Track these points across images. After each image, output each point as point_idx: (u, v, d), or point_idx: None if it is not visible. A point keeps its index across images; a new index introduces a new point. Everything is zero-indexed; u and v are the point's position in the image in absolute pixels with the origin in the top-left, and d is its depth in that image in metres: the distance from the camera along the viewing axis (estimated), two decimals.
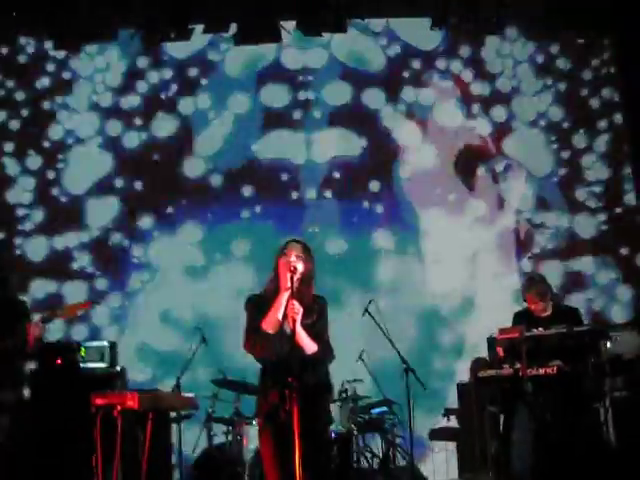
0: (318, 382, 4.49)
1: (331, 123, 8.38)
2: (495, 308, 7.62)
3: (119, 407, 4.89)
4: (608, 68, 8.44)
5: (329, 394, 4.67)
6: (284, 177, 8.32)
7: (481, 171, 8.36)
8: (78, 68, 8.33)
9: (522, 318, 6.32)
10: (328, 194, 8.32)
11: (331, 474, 5.98)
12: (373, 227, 8.29)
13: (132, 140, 8.30)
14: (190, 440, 6.77)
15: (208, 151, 8.33)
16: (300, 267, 4.46)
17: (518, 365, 5.94)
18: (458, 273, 8.21)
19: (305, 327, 4.43)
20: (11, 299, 5.58)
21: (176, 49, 8.25)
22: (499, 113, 8.43)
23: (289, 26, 7.97)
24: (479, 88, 8.45)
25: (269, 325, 4.41)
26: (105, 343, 6.98)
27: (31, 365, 6.71)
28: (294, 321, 4.35)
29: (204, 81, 8.41)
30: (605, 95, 8.44)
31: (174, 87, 8.37)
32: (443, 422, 7.63)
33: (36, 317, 5.38)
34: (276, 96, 8.39)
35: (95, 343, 7.00)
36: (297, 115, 8.41)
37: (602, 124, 8.41)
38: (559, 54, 8.45)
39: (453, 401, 7.60)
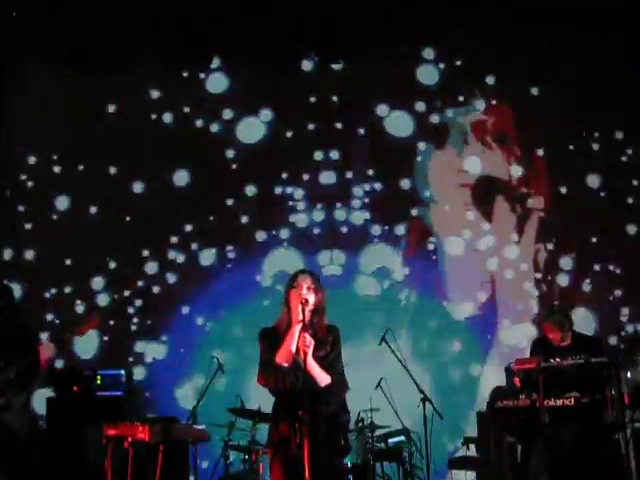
0: (331, 414, 4.47)
1: None
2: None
3: (130, 439, 4.89)
4: None
5: (343, 425, 4.64)
6: None
7: None
8: None
9: (539, 346, 6.27)
10: None
11: None
12: None
13: None
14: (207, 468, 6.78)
15: None
16: (311, 299, 4.46)
17: (535, 396, 5.88)
18: None
19: (318, 359, 4.42)
20: (23, 325, 5.63)
21: None
22: None
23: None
24: None
25: (282, 358, 4.41)
26: (122, 372, 7.00)
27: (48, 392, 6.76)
28: (305, 354, 4.34)
29: None
30: None
31: None
32: (462, 451, 7.56)
33: (44, 338, 5.42)
34: None
35: (111, 371, 7.00)
36: None
37: None
38: None
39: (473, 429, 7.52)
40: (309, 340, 4.37)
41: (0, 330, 5.41)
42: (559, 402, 5.87)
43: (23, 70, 8.52)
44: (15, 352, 5.31)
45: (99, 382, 6.79)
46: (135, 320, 8.03)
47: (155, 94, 8.45)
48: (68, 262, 8.15)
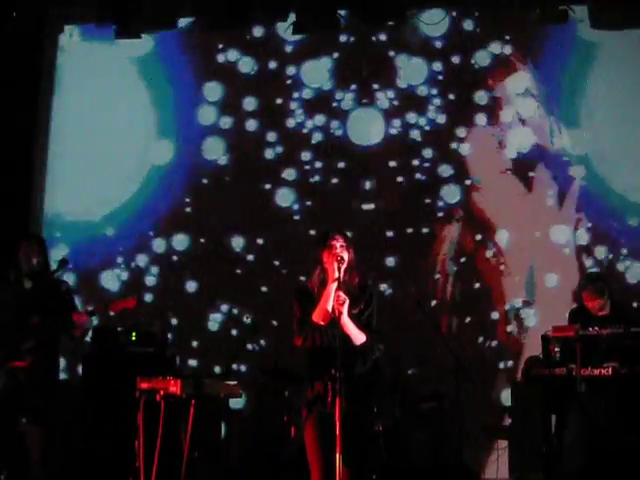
0: (366, 373, 4.47)
1: None
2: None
3: (162, 392, 4.93)
4: None
5: (377, 386, 4.65)
6: None
7: None
8: None
9: (577, 316, 6.18)
10: None
11: (377, 467, 6.00)
12: None
13: None
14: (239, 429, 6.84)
15: None
16: (345, 257, 4.45)
17: (572, 365, 5.81)
18: None
19: (352, 317, 4.41)
20: (55, 280, 5.70)
21: None
22: None
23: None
24: None
25: (319, 317, 4.40)
26: (156, 328, 7.04)
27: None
28: (340, 312, 4.33)
29: None
30: None
31: None
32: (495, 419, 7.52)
33: (85, 309, 5.51)
34: None
35: (146, 328, 7.06)
36: None
37: None
38: None
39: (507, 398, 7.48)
40: (343, 298, 4.35)
41: (39, 282, 5.53)
42: (596, 372, 5.79)
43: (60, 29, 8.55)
44: (54, 311, 5.41)
45: (134, 338, 6.86)
46: None
47: None
48: None
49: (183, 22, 8.12)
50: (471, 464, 7.14)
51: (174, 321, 7.91)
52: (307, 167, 8.16)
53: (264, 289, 8.00)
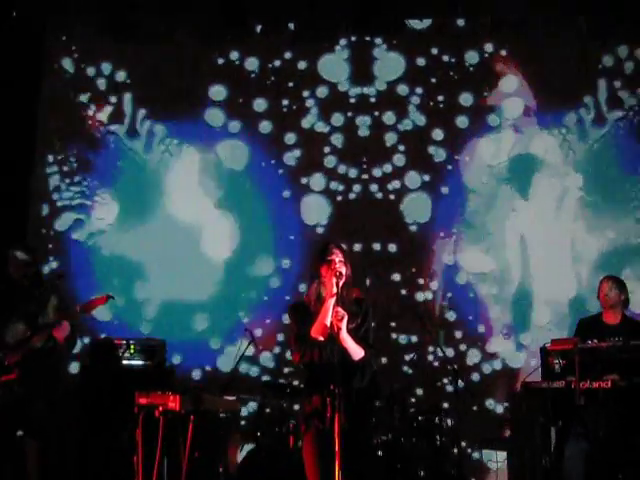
0: (365, 387, 4.47)
1: None
2: None
3: (161, 408, 4.92)
4: None
5: (376, 399, 4.65)
6: None
7: None
8: None
9: (586, 326, 6.16)
10: None
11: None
12: None
13: None
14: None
15: None
16: (344, 271, 4.46)
17: (571, 377, 5.79)
18: None
19: (350, 332, 4.40)
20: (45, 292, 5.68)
21: None
22: None
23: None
24: None
25: (318, 332, 4.40)
26: (154, 341, 7.00)
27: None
28: (339, 328, 4.33)
29: None
30: None
31: None
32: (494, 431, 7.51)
33: (53, 316, 5.47)
34: None
35: (144, 341, 7.02)
36: None
37: None
38: None
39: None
40: (342, 313, 4.35)
41: (32, 292, 5.50)
42: (595, 384, 5.77)
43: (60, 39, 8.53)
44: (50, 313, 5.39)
45: (132, 351, 6.84)
46: None
47: None
48: None
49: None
50: (470, 477, 7.13)
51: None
52: None
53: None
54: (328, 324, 4.37)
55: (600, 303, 6.20)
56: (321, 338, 4.39)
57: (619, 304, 6.12)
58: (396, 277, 7.98)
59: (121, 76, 8.40)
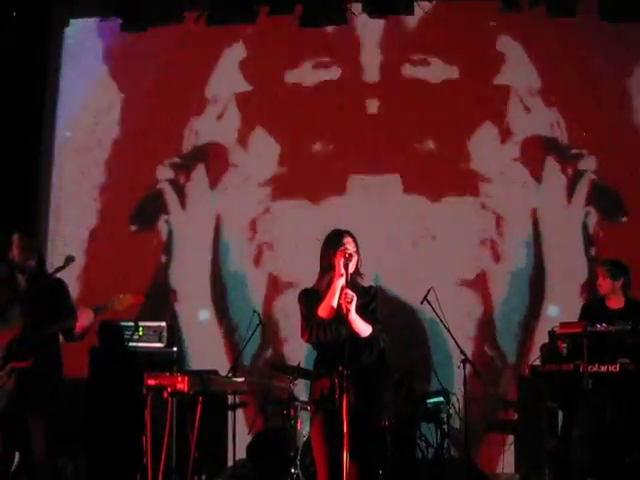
0: (373, 366, 4.51)
1: None
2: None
3: (169, 389, 4.93)
4: None
5: (384, 379, 4.66)
6: None
7: None
8: None
9: (590, 310, 6.14)
10: None
11: (383, 463, 6.00)
12: None
13: None
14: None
15: None
16: (354, 254, 4.48)
17: (579, 361, 5.79)
18: None
19: (357, 308, 4.40)
20: (58, 280, 5.64)
21: None
22: None
23: (356, 8, 7.88)
24: None
25: (324, 312, 4.42)
26: (163, 323, 7.02)
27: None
28: (348, 310, 4.34)
29: None
30: None
31: None
32: (501, 414, 7.51)
33: (89, 308, 5.42)
34: None
35: (153, 323, 7.01)
36: None
37: None
38: None
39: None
40: (351, 295, 4.36)
41: (35, 284, 5.46)
42: (603, 368, 5.77)
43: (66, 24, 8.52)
44: (53, 311, 5.36)
45: (141, 333, 6.85)
46: None
47: None
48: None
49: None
50: (477, 459, 7.15)
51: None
52: None
53: None
54: (335, 305, 4.39)
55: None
56: (326, 318, 4.41)
57: (617, 290, 6.08)
58: None
59: None
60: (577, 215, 7.74)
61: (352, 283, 4.42)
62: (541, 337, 7.14)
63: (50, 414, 5.32)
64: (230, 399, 6.36)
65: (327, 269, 4.54)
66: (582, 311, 6.24)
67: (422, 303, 6.58)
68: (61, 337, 5.53)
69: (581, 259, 7.66)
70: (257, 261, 8.03)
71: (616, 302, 6.09)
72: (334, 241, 4.55)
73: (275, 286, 7.90)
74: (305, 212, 7.96)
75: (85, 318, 5.29)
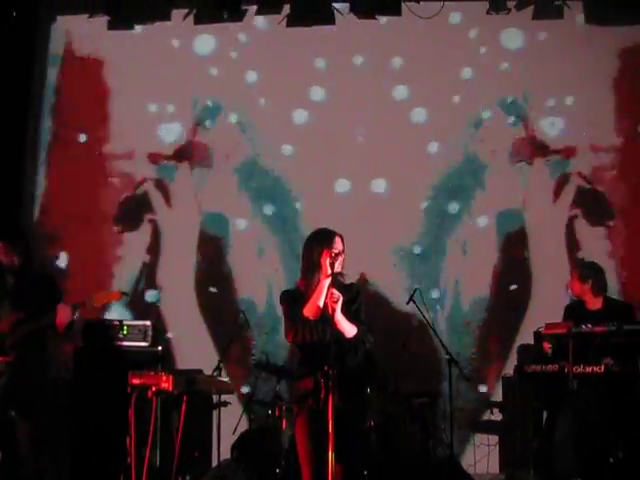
0: (359, 366, 4.49)
1: None
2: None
3: (154, 388, 4.90)
4: None
5: (370, 379, 4.66)
6: None
7: None
8: None
9: (572, 311, 6.18)
10: None
11: (368, 463, 5.99)
12: None
13: None
14: (231, 423, 6.79)
15: None
16: (341, 255, 4.47)
17: (564, 362, 5.80)
18: None
19: (342, 306, 4.39)
20: (46, 275, 5.64)
21: None
22: None
23: (343, 8, 7.88)
24: None
25: (310, 312, 4.41)
26: (148, 322, 6.98)
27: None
28: (333, 310, 4.33)
29: None
30: None
31: None
32: (486, 415, 7.53)
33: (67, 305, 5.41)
34: None
35: (138, 322, 6.98)
36: None
37: None
38: None
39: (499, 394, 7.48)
40: (337, 295, 4.35)
41: (21, 278, 5.47)
42: (588, 369, 5.79)
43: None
44: (36, 304, 5.34)
45: (125, 332, 6.82)
46: None
47: None
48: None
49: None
50: (462, 459, 7.16)
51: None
52: None
53: None
54: (321, 305, 4.37)
55: None
56: (312, 317, 4.40)
57: (586, 292, 6.13)
58: None
59: None
60: (563, 217, 7.79)
61: (335, 281, 4.41)
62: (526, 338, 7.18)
63: (36, 413, 5.29)
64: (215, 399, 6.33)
65: (312, 268, 4.51)
66: (565, 312, 6.27)
67: (408, 304, 6.61)
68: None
69: (567, 261, 7.71)
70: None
71: (593, 303, 6.13)
72: (323, 240, 4.52)
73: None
74: None
75: (63, 315, 5.27)
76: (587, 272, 6.16)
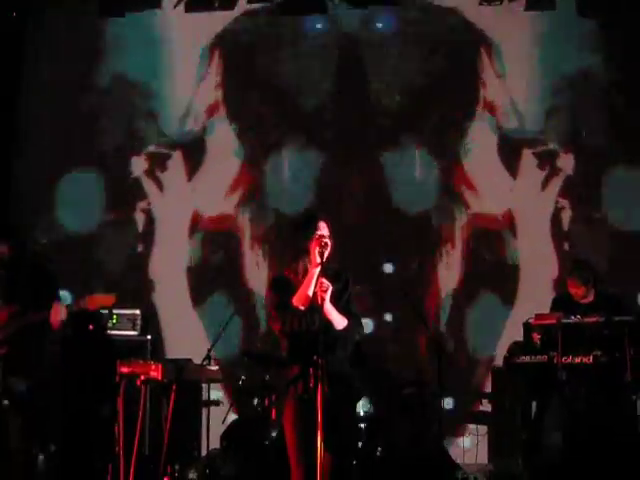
0: (350, 357, 4.47)
1: None
2: None
3: (142, 377, 4.89)
4: None
5: (361, 370, 4.64)
6: None
7: None
8: None
9: (561, 303, 6.19)
10: None
11: (358, 453, 6.00)
12: None
13: None
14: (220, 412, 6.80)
15: None
16: (329, 243, 4.40)
17: (553, 352, 5.81)
18: None
19: (332, 295, 4.35)
20: (43, 271, 5.60)
21: None
22: None
23: None
24: None
25: (300, 301, 4.36)
26: (137, 311, 6.97)
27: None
28: (323, 299, 4.29)
29: None
30: None
31: None
32: (476, 405, 7.55)
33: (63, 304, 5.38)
34: None
35: (127, 311, 6.95)
36: None
37: None
38: None
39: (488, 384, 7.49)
40: (327, 284, 4.31)
41: (12, 269, 5.43)
42: (577, 360, 5.80)
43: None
44: (30, 297, 5.32)
45: (115, 321, 6.80)
46: None
47: None
48: None
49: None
50: (451, 449, 7.18)
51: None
52: None
53: None
54: (311, 294, 4.34)
55: None
56: (302, 307, 4.35)
57: (590, 290, 6.15)
58: None
59: None
60: (550, 210, 7.81)
61: (326, 271, 4.36)
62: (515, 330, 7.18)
63: (28, 403, 5.27)
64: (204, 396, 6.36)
65: (299, 255, 4.46)
66: (552, 304, 6.28)
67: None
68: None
69: (554, 254, 7.73)
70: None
71: (585, 297, 6.16)
72: (308, 226, 4.47)
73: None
74: None
75: (58, 313, 5.25)
76: (586, 274, 6.16)
